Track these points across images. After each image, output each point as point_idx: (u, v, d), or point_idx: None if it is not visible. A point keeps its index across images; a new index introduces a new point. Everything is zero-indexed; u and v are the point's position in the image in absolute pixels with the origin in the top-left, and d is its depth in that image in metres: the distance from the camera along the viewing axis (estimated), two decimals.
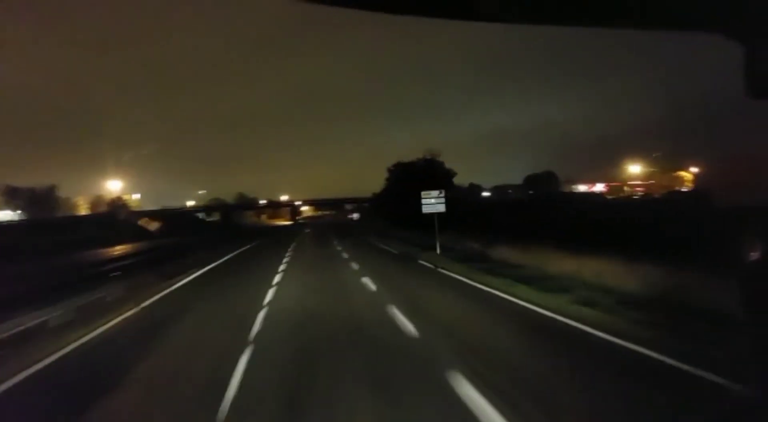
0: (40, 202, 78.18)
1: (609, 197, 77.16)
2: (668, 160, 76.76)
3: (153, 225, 73.36)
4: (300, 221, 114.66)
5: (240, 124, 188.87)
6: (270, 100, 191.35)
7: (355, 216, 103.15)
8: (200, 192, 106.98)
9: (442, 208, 20.55)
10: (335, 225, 71.31)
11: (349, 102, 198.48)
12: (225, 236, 44.32)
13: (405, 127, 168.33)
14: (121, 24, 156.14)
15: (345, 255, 21.85)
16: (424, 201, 21.02)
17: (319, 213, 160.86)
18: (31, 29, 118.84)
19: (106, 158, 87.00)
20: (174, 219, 76.37)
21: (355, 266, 17.13)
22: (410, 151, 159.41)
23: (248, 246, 32.17)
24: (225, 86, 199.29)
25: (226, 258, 23.83)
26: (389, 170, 43.77)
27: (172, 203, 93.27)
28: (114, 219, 67.16)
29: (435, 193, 21.05)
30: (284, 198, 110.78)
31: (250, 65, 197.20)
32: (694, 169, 74.62)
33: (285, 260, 20.63)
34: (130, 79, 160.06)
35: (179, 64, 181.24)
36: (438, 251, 20.26)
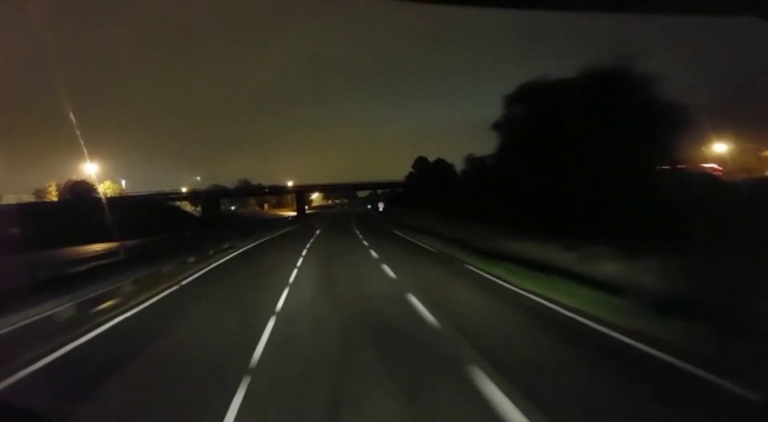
0: None
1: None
2: (745, 138, 56.25)
3: None
4: (309, 211, 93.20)
5: (245, 107, 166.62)
6: (279, 80, 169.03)
7: (380, 205, 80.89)
8: (196, 178, 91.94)
9: None
10: (365, 223, 49.06)
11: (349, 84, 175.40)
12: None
13: (411, 115, 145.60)
14: None
15: None
16: None
17: (330, 202, 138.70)
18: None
19: (88, 141, 70.23)
20: (139, 210, 54.09)
21: None
22: (416, 140, 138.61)
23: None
24: (227, 66, 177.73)
25: None
26: (507, 100, 19.80)
27: (164, 190, 77.78)
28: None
29: None
30: (291, 184, 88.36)
31: (253, 42, 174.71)
32: None
33: None
34: (127, 58, 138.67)
35: (178, 44, 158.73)
36: None
